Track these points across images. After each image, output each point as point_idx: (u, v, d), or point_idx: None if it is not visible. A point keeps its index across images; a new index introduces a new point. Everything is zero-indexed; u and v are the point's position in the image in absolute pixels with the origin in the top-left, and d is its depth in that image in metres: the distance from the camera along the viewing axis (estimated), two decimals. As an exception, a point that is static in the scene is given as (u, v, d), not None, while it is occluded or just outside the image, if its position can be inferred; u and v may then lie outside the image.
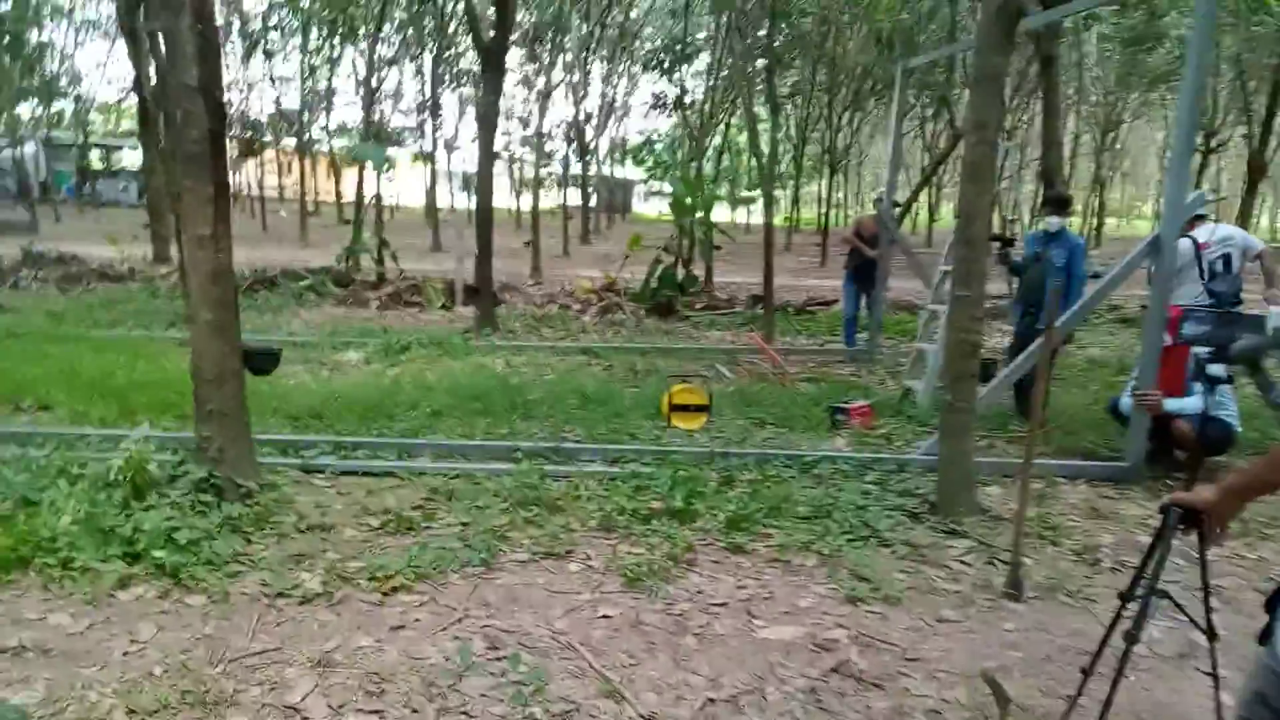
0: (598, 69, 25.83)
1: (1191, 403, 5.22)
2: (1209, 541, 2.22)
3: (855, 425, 6.49)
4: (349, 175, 37.29)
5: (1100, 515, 4.74)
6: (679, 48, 16.09)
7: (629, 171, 47.55)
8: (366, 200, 15.58)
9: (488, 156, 10.13)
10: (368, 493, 4.61)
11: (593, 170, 33.91)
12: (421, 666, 3.00)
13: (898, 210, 11.93)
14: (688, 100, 19.63)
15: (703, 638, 3.30)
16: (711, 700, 2.90)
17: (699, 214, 13.63)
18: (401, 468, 4.97)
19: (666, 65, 15.80)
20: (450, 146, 35.20)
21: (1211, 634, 2.36)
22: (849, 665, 3.14)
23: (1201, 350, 3.80)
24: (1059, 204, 6.98)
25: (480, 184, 10.09)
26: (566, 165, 27.92)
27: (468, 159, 39.18)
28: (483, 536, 4.01)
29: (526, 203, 38.19)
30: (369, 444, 5.33)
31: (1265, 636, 1.64)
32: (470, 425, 5.98)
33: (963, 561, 4.06)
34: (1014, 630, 3.44)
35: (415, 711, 2.75)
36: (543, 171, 33.73)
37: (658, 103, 16.01)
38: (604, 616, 3.40)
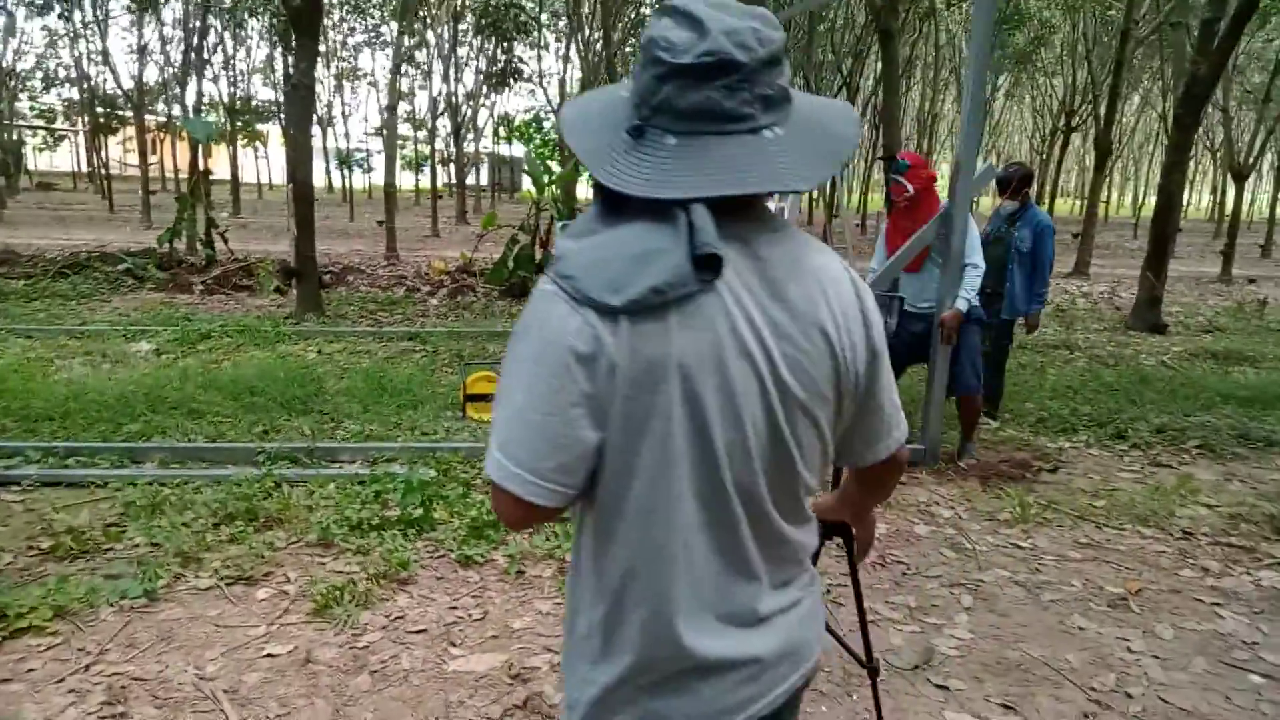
0: (472, 41, 24.90)
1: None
2: (858, 557, 1.89)
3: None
4: (218, 152, 35.39)
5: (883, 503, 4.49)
6: (514, 13, 15.35)
7: (520, 149, 46.60)
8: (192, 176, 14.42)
9: (303, 127, 9.37)
10: (58, 509, 3.97)
11: (475, 148, 33.01)
12: (5, 734, 2.46)
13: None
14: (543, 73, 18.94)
15: (381, 675, 2.84)
16: (356, 757, 2.45)
17: (551, 192, 13.09)
18: (116, 476, 4.34)
19: (505, 31, 15.00)
20: (323, 122, 33.73)
21: (872, 668, 2.02)
22: (539, 700, 2.73)
23: None
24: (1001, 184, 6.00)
25: (295, 155, 9.34)
26: (432, 141, 26.87)
27: (345, 135, 37.62)
28: (164, 560, 3.45)
29: (417, 181, 37.04)
30: (87, 449, 4.67)
31: None
32: (231, 424, 5.37)
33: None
34: (742, 646, 3.10)
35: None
36: (423, 150, 32.65)
37: (492, 74, 15.08)
38: (269, 656, 2.91)
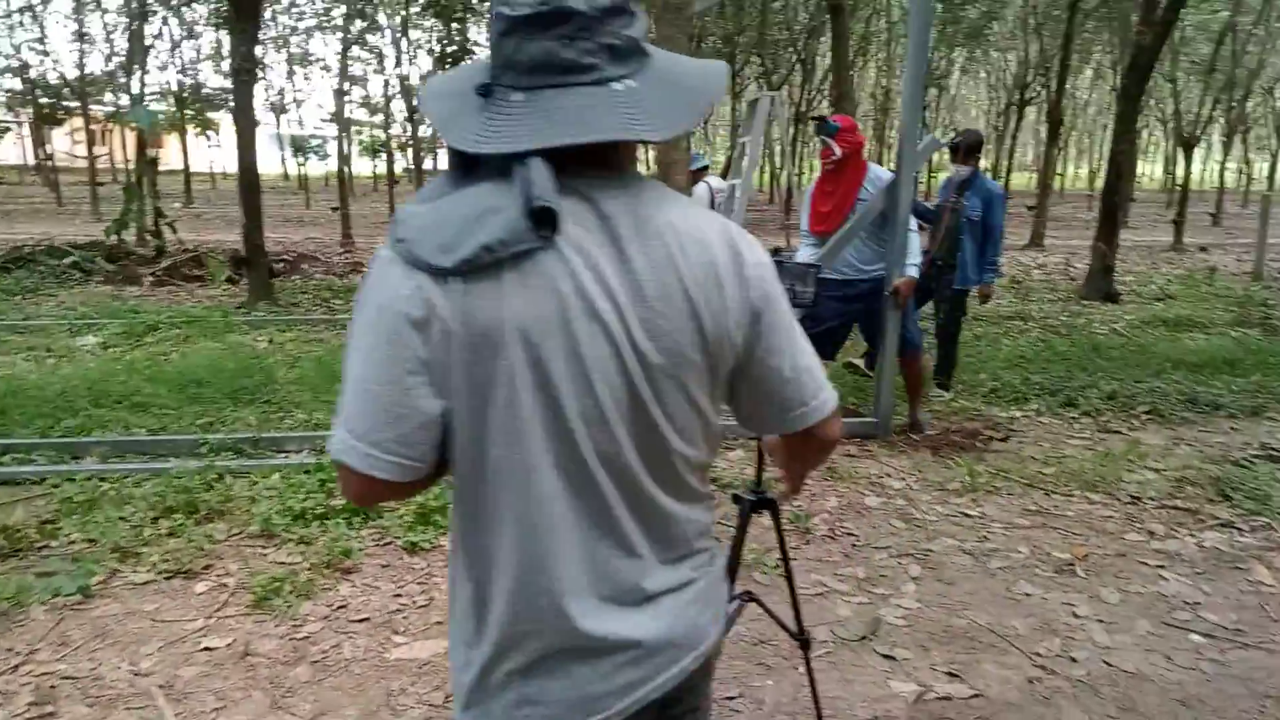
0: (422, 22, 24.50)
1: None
2: (783, 495, 1.86)
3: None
4: (169, 142, 34.52)
5: (836, 476, 4.50)
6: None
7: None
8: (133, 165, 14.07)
9: (246, 112, 9.16)
10: (-10, 509, 3.85)
11: (433, 132, 32.57)
12: (-75, 741, 2.38)
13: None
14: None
15: (321, 665, 2.79)
16: (293, 749, 2.41)
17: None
18: (53, 472, 4.23)
19: (449, 12, 14.54)
20: (276, 109, 33.09)
21: (803, 641, 2.02)
22: (484, 685, 2.69)
23: None
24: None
25: (240, 142, 9.12)
26: (387, 126, 26.52)
27: (299, 122, 36.94)
28: (100, 556, 3.36)
29: (375, 166, 36.55)
30: (24, 446, 4.54)
31: None
32: (175, 417, 5.24)
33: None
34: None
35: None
36: (381, 134, 32.20)
37: (445, 55, 14.55)
38: (206, 649, 2.85)
